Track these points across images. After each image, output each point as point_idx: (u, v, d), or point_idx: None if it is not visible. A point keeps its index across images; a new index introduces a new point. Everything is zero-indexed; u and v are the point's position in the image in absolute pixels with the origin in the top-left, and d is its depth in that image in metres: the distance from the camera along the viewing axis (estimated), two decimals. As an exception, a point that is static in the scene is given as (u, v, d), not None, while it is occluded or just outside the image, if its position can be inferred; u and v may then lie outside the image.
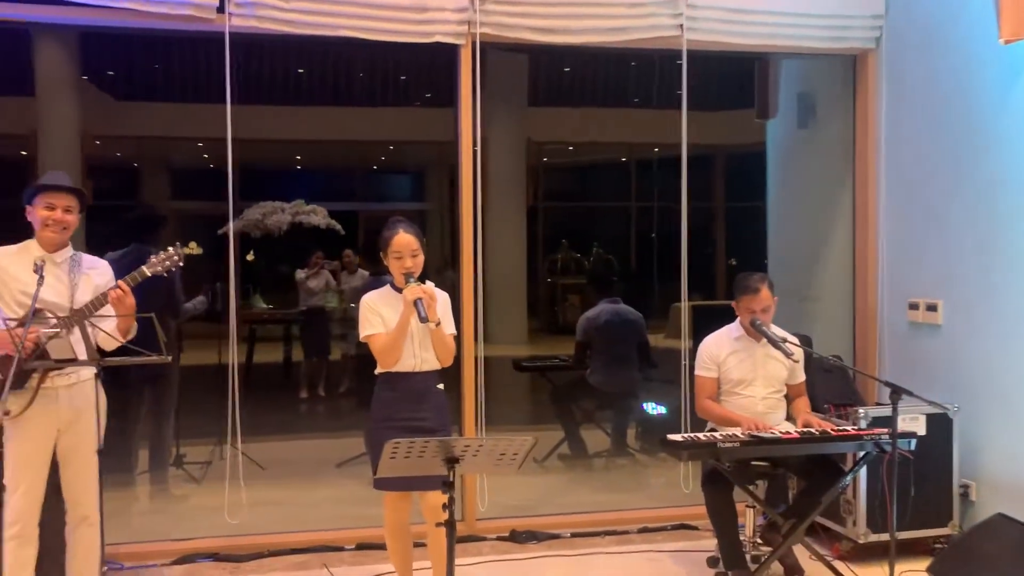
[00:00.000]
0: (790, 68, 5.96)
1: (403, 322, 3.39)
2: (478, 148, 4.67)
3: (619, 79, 12.71)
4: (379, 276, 3.61)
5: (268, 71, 11.64)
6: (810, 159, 5.79)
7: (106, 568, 3.12)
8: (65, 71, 10.10)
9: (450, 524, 2.90)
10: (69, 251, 3.41)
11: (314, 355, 8.74)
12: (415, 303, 3.29)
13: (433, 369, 3.50)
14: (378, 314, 3.46)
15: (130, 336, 3.31)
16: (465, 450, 2.81)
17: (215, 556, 4.33)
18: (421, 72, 11.53)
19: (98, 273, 3.46)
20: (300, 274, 8.59)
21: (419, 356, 3.46)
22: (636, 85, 12.46)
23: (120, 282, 3.27)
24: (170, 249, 3.38)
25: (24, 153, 10.76)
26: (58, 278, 3.34)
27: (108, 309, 3.30)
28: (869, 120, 5.03)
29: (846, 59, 5.18)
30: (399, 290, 3.42)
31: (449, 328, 3.51)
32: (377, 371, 3.50)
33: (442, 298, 3.55)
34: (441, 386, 3.54)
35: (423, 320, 3.27)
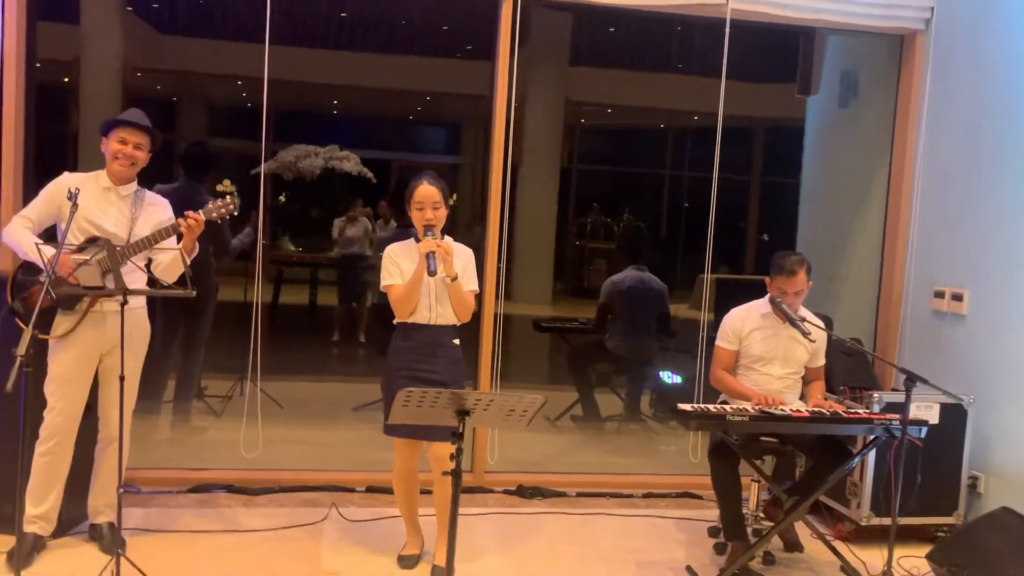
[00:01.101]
0: (835, 44, 5.85)
1: (417, 274, 3.42)
2: (512, 104, 4.66)
3: (663, 44, 12.51)
4: (408, 228, 3.63)
5: (311, 13, 11.59)
6: (848, 139, 5.71)
7: (123, 490, 3.23)
8: (111, 0, 10.15)
9: (456, 474, 2.96)
10: (134, 186, 3.56)
11: (349, 301, 8.81)
12: (427, 256, 3.33)
13: (449, 324, 3.53)
14: (397, 265, 3.51)
15: (193, 254, 3.44)
16: (476, 403, 2.85)
17: (229, 487, 4.45)
18: (463, 23, 11.41)
19: (159, 210, 3.60)
20: (336, 228, 8.61)
21: (435, 310, 3.50)
22: (680, 51, 12.27)
23: (197, 213, 3.40)
24: (227, 197, 3.49)
25: (67, 80, 10.86)
26: (120, 211, 3.49)
27: (168, 243, 3.43)
28: (911, 103, 4.94)
29: (893, 39, 5.08)
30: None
31: (469, 285, 3.54)
32: (395, 321, 3.55)
33: (465, 254, 3.58)
34: (457, 341, 3.58)
35: (431, 274, 3.32)
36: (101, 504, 3.66)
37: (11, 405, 3.30)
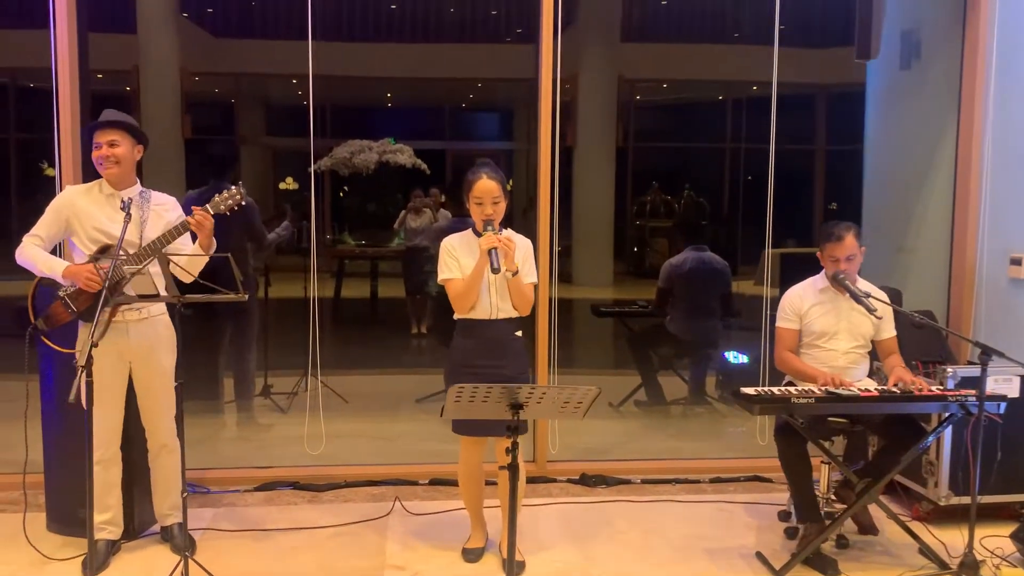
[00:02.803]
0: (893, 3, 5.60)
1: (478, 270, 3.37)
2: (558, 86, 4.58)
3: (716, 13, 12.24)
4: (463, 218, 3.58)
5: (359, 8, 11.65)
6: (912, 102, 5.47)
7: (186, 493, 3.27)
8: (164, 8, 10.37)
9: (513, 468, 2.94)
10: (137, 188, 3.52)
11: (416, 292, 8.81)
12: (489, 252, 3.26)
13: (510, 317, 3.48)
14: (456, 259, 3.45)
15: (211, 251, 3.40)
16: (529, 396, 2.81)
17: (295, 485, 4.50)
18: (511, 7, 11.34)
19: (166, 209, 3.55)
20: (399, 219, 8.64)
21: (496, 305, 3.44)
22: (734, 20, 11.98)
23: (202, 208, 3.34)
24: (232, 188, 3.42)
25: (128, 88, 11.14)
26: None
27: (182, 241, 3.41)
28: (978, 61, 4.70)
29: (956, -6, 4.85)
30: (480, 235, 3.39)
31: (528, 277, 3.47)
32: (455, 316, 3.51)
33: (524, 245, 3.51)
34: (519, 333, 3.53)
35: (495, 271, 3.25)
36: (166, 508, 3.73)
37: (74, 415, 3.40)
